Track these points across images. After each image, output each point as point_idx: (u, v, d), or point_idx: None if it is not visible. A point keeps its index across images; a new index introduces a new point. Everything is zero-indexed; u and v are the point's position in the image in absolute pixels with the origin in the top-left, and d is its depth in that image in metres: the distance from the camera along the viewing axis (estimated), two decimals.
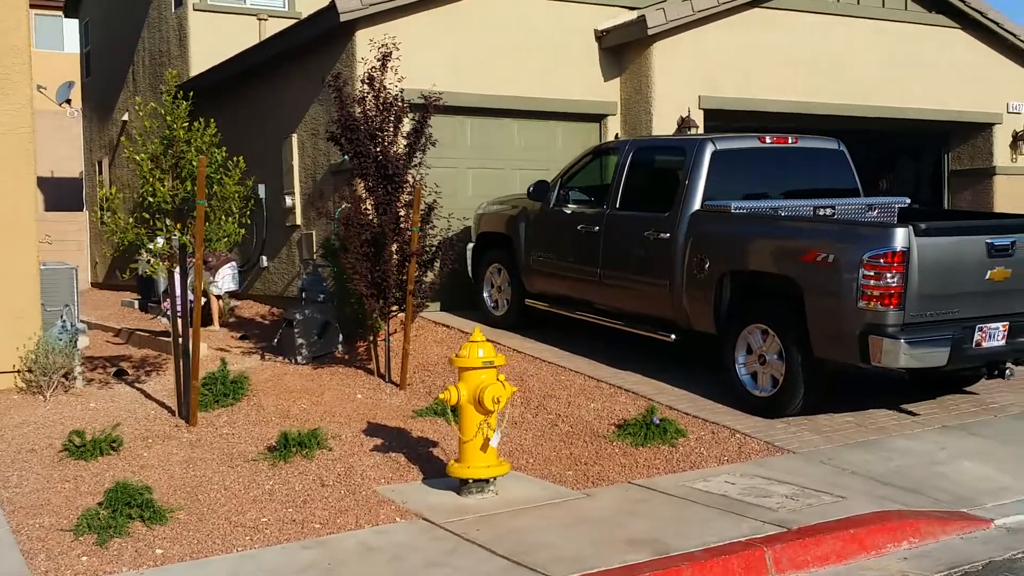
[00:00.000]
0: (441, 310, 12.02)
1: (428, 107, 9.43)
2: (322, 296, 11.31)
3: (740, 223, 8.17)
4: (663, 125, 12.66)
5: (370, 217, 9.18)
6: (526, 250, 10.49)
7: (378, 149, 9.17)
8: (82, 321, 12.61)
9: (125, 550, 5.25)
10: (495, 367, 6.24)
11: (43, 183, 29.53)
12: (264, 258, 14.25)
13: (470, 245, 11.46)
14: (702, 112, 12.92)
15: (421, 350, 10.27)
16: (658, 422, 7.43)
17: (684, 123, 12.66)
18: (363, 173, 9.25)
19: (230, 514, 5.86)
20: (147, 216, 8.23)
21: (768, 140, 9.03)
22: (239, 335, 12.35)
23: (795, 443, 7.24)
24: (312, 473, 6.69)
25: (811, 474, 6.58)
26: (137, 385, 9.88)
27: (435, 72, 11.71)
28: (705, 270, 8.26)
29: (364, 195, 9.36)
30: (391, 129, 9.32)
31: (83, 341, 12.31)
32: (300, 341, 10.62)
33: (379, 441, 7.39)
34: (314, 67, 12.26)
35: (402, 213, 9.37)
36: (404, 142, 9.44)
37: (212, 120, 8.48)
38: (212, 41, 16.17)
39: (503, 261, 10.91)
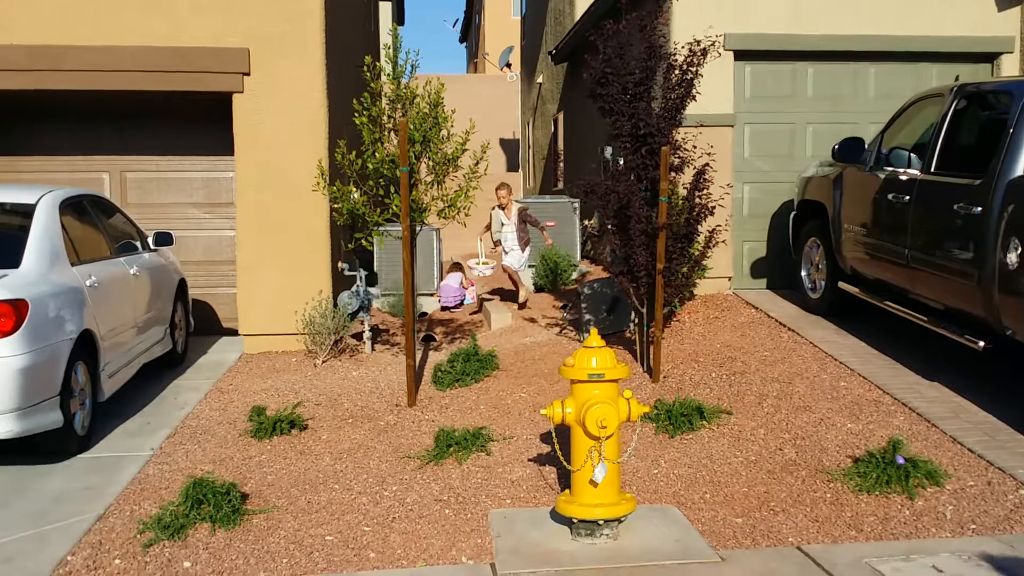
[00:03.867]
0: (768, 287, 10.52)
1: (693, 55, 7.97)
2: None
3: None
4: None
5: (622, 184, 8.02)
6: (838, 223, 8.65)
7: (634, 107, 7.94)
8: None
9: (159, 557, 4.88)
10: (607, 381, 4.94)
11: (505, 144, 31.29)
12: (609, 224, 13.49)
13: (792, 214, 9.77)
14: None
15: (711, 335, 8.94)
16: (902, 461, 5.57)
17: None
18: (617, 133, 8.10)
19: (307, 526, 5.26)
20: (372, 184, 7.86)
21: None
22: (562, 304, 11.76)
23: None
24: (443, 482, 5.89)
25: None
26: (431, 352, 9.69)
27: (772, 11, 10.14)
28: (1019, 258, 6.05)
29: (624, 158, 8.20)
30: (652, 83, 8.02)
31: (428, 304, 12.56)
32: (588, 317, 9.78)
33: (549, 448, 6.36)
34: (639, 15, 11.13)
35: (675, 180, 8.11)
36: (673, 96, 8.08)
37: (438, 78, 7.87)
38: None
39: (821, 235, 9.12)
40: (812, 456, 6.06)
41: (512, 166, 28.86)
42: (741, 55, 10.28)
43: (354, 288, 10.18)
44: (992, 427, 6.23)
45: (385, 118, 7.71)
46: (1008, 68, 10.36)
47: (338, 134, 9.54)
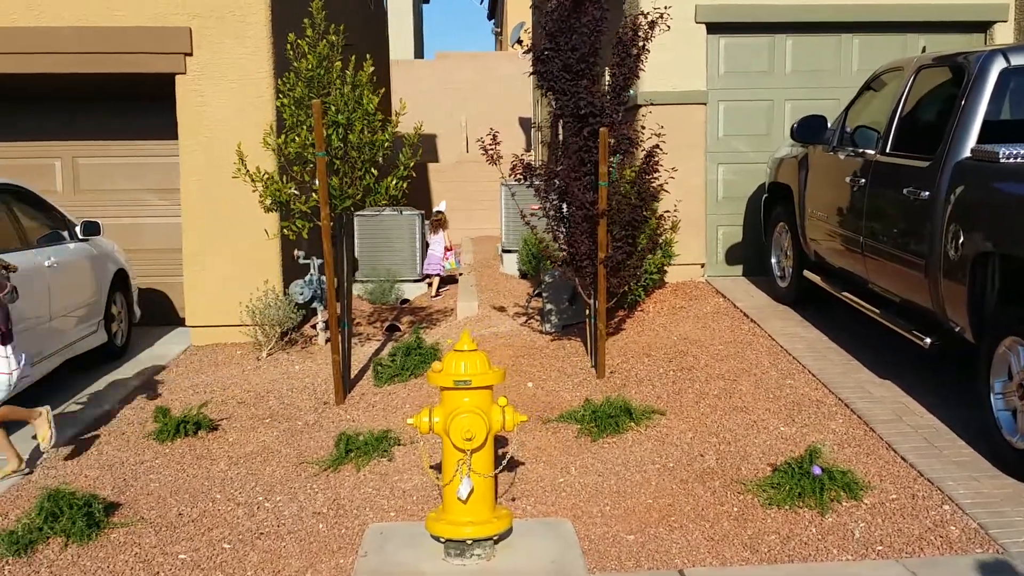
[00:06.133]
0: (744, 274, 10.01)
1: (637, 29, 7.46)
2: None
3: (1006, 179, 5.30)
4: None
5: (563, 167, 7.57)
6: (802, 207, 8.13)
7: (575, 84, 7.46)
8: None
9: None
10: (475, 388, 4.51)
11: (524, 123, 30.76)
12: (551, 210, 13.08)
13: (763, 197, 9.25)
14: None
15: (672, 327, 8.48)
16: (819, 472, 5.09)
17: None
18: (560, 113, 7.65)
19: (166, 542, 4.91)
20: (298, 169, 7.46)
21: None
22: (537, 291, 11.31)
23: None
24: (333, 491, 5.51)
25: None
26: (392, 342, 9.32)
27: None
28: (959, 248, 5.53)
29: (566, 140, 7.74)
30: (596, 58, 7.53)
31: (410, 291, 12.26)
32: (549, 307, 9.35)
33: None
34: None
35: (615, 163, 7.64)
36: (619, 72, 7.58)
37: (368, 56, 7.44)
38: None
39: (789, 220, 8.60)
40: (732, 463, 5.60)
41: (529, 145, 28.37)
42: (714, 28, 9.74)
43: (308, 277, 9.79)
44: (933, 431, 5.73)
45: (307, 100, 7.29)
46: (1002, 37, 9.73)
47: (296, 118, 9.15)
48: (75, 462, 6.14)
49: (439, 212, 13.42)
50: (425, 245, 13.26)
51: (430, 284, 12.72)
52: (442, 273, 12.69)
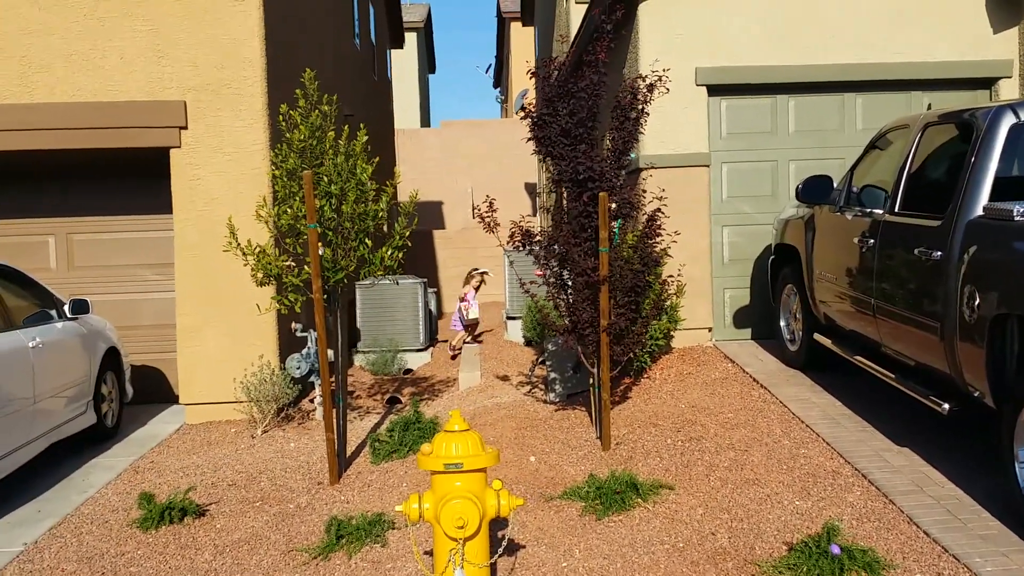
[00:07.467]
0: (752, 338, 9.74)
1: (636, 93, 7.31)
2: None
3: (1023, 238, 5.06)
4: None
5: (563, 233, 7.38)
6: (810, 269, 7.89)
7: (574, 149, 7.30)
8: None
9: None
10: (468, 471, 4.24)
11: (531, 189, 30.78)
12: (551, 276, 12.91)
13: (770, 259, 9.02)
14: None
15: (679, 394, 8.20)
16: (837, 551, 4.78)
17: None
18: (559, 179, 7.48)
19: None
20: (290, 241, 7.27)
21: None
22: (541, 359, 11.07)
23: None
24: None
25: None
26: (392, 415, 9.06)
27: (748, 41, 9.49)
28: (976, 310, 5.27)
29: (566, 206, 7.56)
30: (594, 123, 7.38)
31: (413, 360, 12.14)
32: (552, 376, 9.10)
33: None
34: (616, 54, 10.47)
35: (617, 228, 7.44)
36: (618, 136, 7.43)
37: (362, 126, 7.28)
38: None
39: (797, 281, 8.36)
40: (745, 543, 5.29)
41: (535, 211, 28.32)
42: (715, 90, 9.62)
43: (304, 350, 9.56)
44: (956, 503, 5.41)
45: (299, 171, 7.12)
46: (1007, 93, 9.57)
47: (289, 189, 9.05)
48: (52, 554, 5.85)
49: (473, 270, 13.60)
50: (428, 312, 13.09)
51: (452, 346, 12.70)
52: (459, 328, 12.68)
